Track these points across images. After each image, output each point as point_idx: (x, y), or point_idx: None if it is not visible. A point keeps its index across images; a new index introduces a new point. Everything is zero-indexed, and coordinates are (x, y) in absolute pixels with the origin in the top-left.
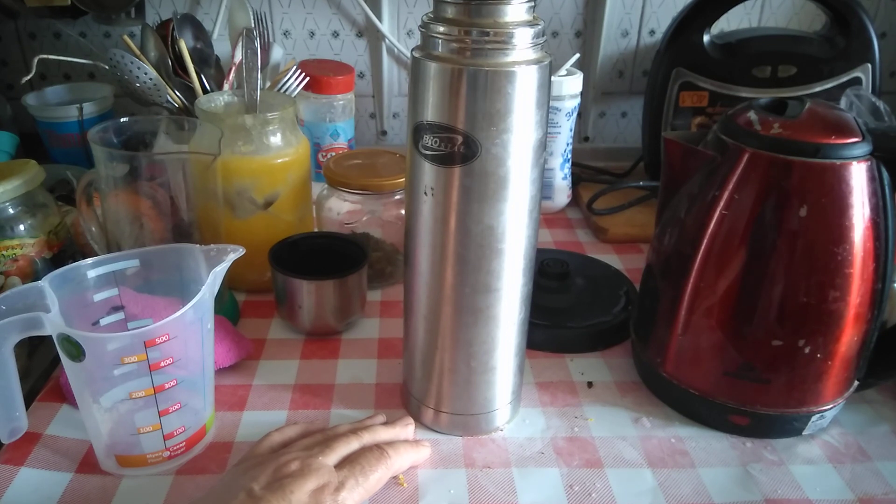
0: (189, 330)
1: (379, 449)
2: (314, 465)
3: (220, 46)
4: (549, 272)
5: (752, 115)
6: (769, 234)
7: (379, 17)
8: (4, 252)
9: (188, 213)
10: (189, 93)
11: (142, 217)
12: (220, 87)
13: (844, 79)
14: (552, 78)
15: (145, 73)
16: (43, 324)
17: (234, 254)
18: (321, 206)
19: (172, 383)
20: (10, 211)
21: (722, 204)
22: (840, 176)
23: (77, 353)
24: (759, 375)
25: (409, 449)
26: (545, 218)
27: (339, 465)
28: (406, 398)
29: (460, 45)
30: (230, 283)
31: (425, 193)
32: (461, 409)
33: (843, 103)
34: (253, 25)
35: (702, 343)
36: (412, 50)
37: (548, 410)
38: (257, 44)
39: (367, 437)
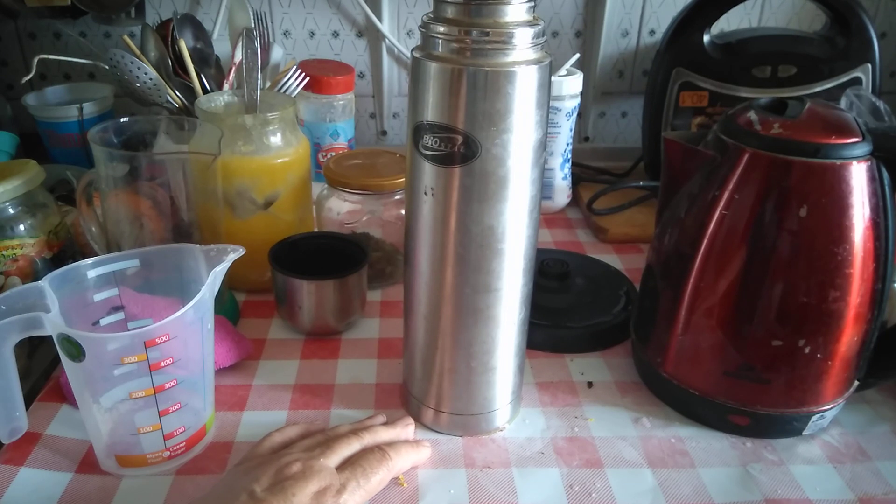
0: (189, 330)
1: (380, 450)
2: (316, 466)
3: (220, 46)
4: (549, 272)
5: (752, 115)
6: (769, 235)
7: (379, 17)
8: (4, 252)
9: (188, 213)
10: (189, 93)
11: (142, 217)
12: (220, 87)
13: (844, 79)
14: (552, 78)
15: (145, 73)
16: (43, 324)
17: (234, 254)
18: (321, 206)
19: (172, 383)
20: (10, 211)
21: (722, 204)
22: (840, 176)
23: (77, 353)
24: (759, 375)
25: (409, 449)
26: (545, 218)
27: (341, 467)
28: (406, 398)
29: (460, 45)
30: (230, 283)
31: (425, 193)
32: (461, 409)
33: (843, 103)
34: (253, 25)
35: (702, 343)
36: (412, 50)
37: (548, 410)
38: (257, 44)
39: (368, 438)
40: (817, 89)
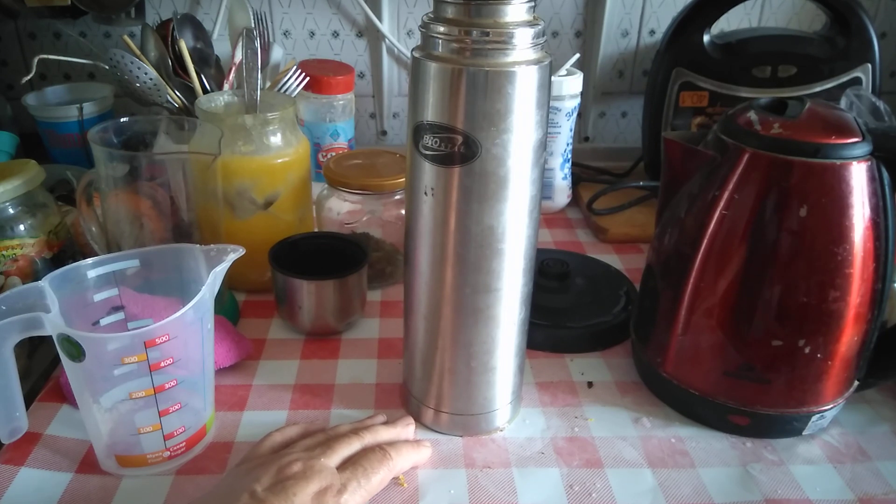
0: (189, 330)
1: (381, 450)
2: (316, 466)
3: (220, 46)
4: (549, 272)
5: (752, 115)
6: (769, 234)
7: (379, 17)
8: (4, 252)
9: (188, 213)
10: (189, 93)
11: (142, 217)
12: (220, 87)
13: (844, 79)
14: (552, 78)
15: (145, 73)
16: (43, 324)
17: (234, 254)
18: (321, 206)
19: (172, 383)
20: (10, 211)
21: (722, 204)
22: (840, 176)
23: (77, 353)
24: (759, 375)
25: (410, 449)
26: (545, 218)
27: (341, 467)
28: (406, 398)
29: (460, 45)
30: (230, 283)
31: (425, 193)
32: (461, 409)
33: (843, 103)
34: (253, 25)
35: (702, 343)
36: (412, 50)
37: (548, 410)
38: (257, 44)
39: (369, 438)
40: (817, 89)
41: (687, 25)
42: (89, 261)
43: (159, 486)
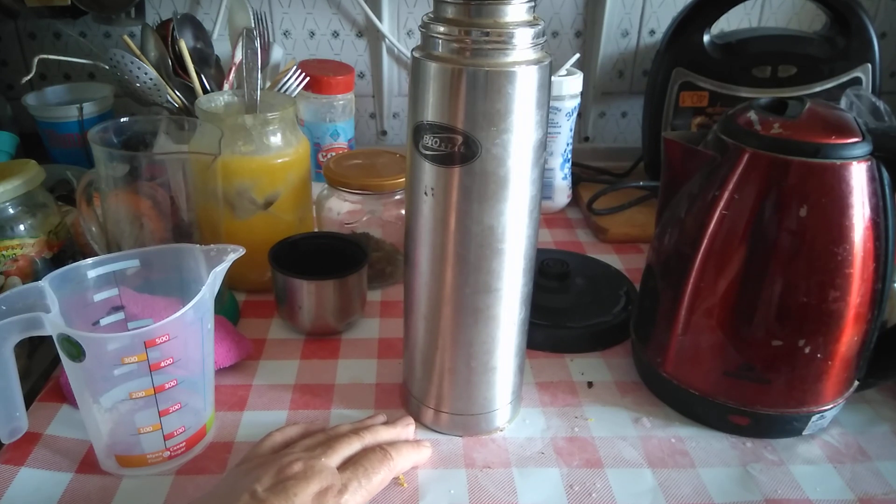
0: (189, 330)
1: (382, 450)
2: (317, 466)
3: (220, 46)
4: (549, 272)
5: (752, 115)
6: (769, 234)
7: (379, 17)
8: (4, 252)
9: (188, 213)
10: (189, 93)
11: (142, 217)
12: (220, 87)
13: (844, 79)
14: (552, 78)
15: (145, 73)
16: (43, 324)
17: (234, 254)
18: (321, 206)
19: (172, 383)
20: (10, 211)
21: (722, 204)
22: (840, 176)
23: (77, 353)
24: (759, 375)
25: (410, 449)
26: (545, 218)
27: (342, 467)
28: (406, 398)
29: (460, 45)
30: (230, 283)
31: (425, 193)
32: (461, 409)
33: (843, 103)
34: (253, 25)
35: (702, 343)
36: (412, 50)
37: (548, 410)
38: (257, 44)
39: (369, 438)
40: (817, 89)
41: (687, 25)
42: (89, 261)
43: (159, 486)
